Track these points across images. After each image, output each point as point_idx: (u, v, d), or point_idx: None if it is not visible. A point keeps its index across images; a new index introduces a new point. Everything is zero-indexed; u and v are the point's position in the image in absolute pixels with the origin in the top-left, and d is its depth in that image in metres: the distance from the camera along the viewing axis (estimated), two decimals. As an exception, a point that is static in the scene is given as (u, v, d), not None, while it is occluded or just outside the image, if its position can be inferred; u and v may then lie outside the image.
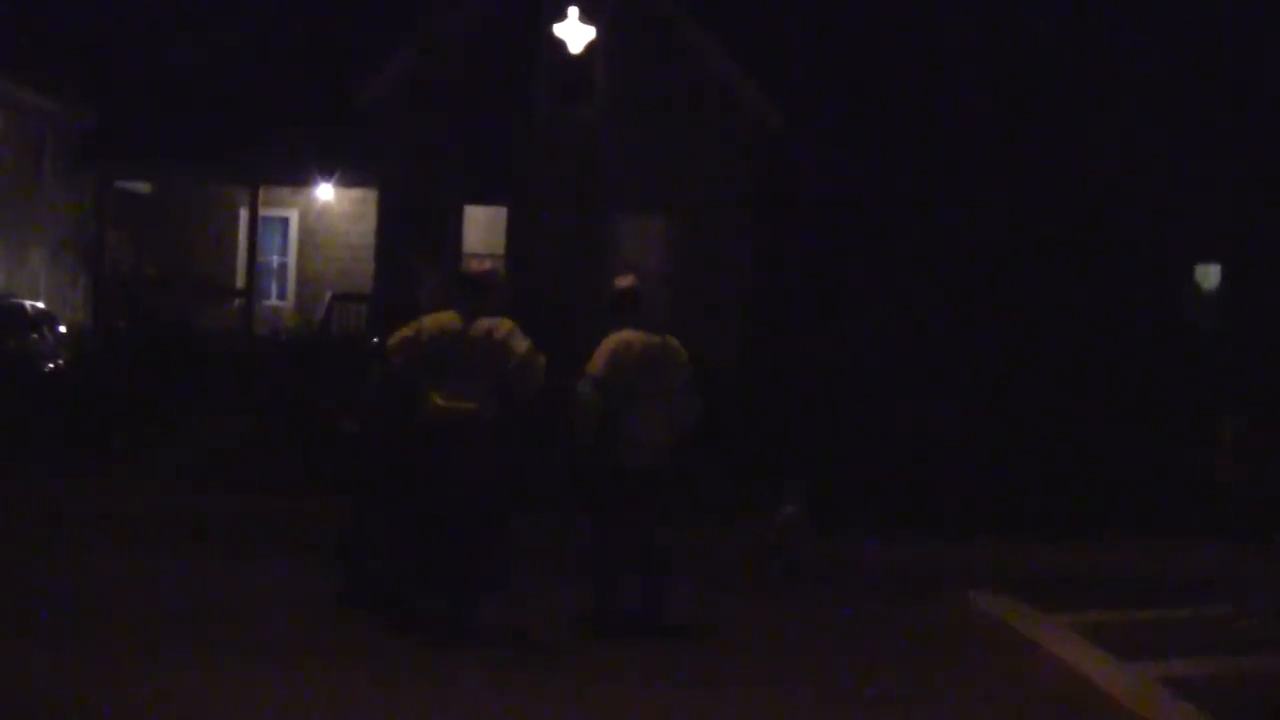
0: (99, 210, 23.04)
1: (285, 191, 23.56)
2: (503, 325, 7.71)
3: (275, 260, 24.21)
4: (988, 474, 14.28)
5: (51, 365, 19.78)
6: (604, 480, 7.82)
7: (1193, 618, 8.86)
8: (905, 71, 22.36)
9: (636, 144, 20.87)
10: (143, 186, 24.19)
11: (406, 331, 7.79)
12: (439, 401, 7.59)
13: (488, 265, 8.30)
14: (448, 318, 7.77)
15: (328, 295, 22.20)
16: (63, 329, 21.33)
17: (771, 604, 9.13)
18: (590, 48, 19.42)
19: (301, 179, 22.81)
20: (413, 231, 20.71)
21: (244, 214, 23.46)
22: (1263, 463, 14.39)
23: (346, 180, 22.75)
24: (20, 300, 21.25)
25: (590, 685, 6.78)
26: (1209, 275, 24.75)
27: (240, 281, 23.49)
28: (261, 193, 22.88)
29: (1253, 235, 22.17)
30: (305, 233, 24.04)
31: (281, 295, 24.36)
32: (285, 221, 24.17)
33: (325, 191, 23.21)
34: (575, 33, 18.80)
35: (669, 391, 7.87)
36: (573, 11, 18.78)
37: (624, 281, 8.20)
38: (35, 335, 20.38)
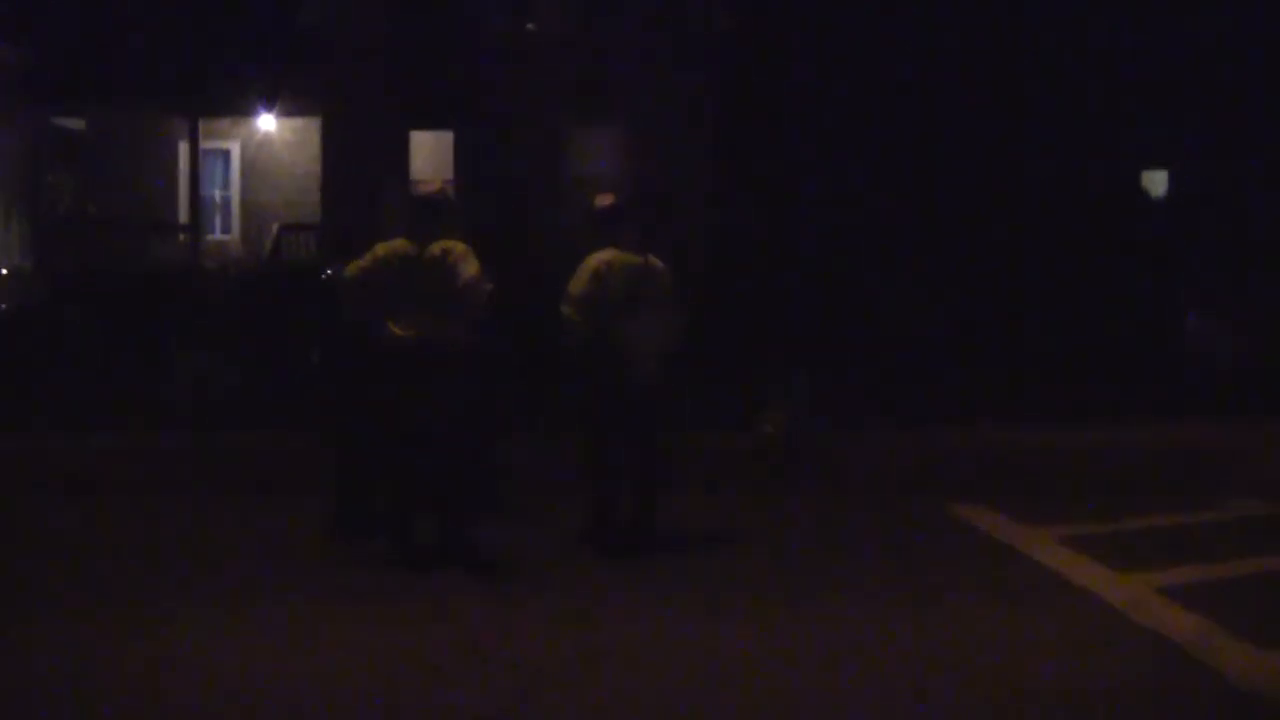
0: (35, 148, 22.41)
1: (226, 123, 23.06)
2: (456, 248, 7.58)
3: (218, 194, 23.72)
4: (966, 362, 14.35)
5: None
6: (594, 396, 7.82)
7: (1176, 525, 8.86)
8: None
9: (584, 53, 20.50)
10: (79, 124, 23.52)
11: (362, 261, 7.64)
12: (396, 330, 7.50)
13: (435, 187, 8.11)
14: (400, 244, 7.65)
15: (275, 227, 21.77)
16: (2, 270, 20.82)
17: (761, 510, 9.14)
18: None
19: (242, 110, 22.33)
20: (360, 160, 20.31)
21: (184, 147, 22.91)
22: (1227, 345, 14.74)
23: (288, 109, 22.30)
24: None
25: (590, 603, 6.74)
26: (1155, 181, 25.13)
27: (184, 216, 22.98)
28: (202, 125, 22.34)
29: (1194, 142, 22.52)
30: (248, 164, 23.56)
31: (226, 229, 23.92)
32: (227, 154, 23.67)
33: (267, 122, 22.73)
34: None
35: (653, 308, 7.82)
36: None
37: (604, 200, 8.11)
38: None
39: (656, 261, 7.98)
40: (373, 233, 8.20)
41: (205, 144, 22.68)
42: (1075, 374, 14.04)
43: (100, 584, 7.13)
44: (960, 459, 10.61)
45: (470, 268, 7.48)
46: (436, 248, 7.57)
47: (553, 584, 7.19)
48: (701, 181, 20.83)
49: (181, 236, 22.83)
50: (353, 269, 7.65)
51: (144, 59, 21.47)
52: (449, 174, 20.85)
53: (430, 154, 21.33)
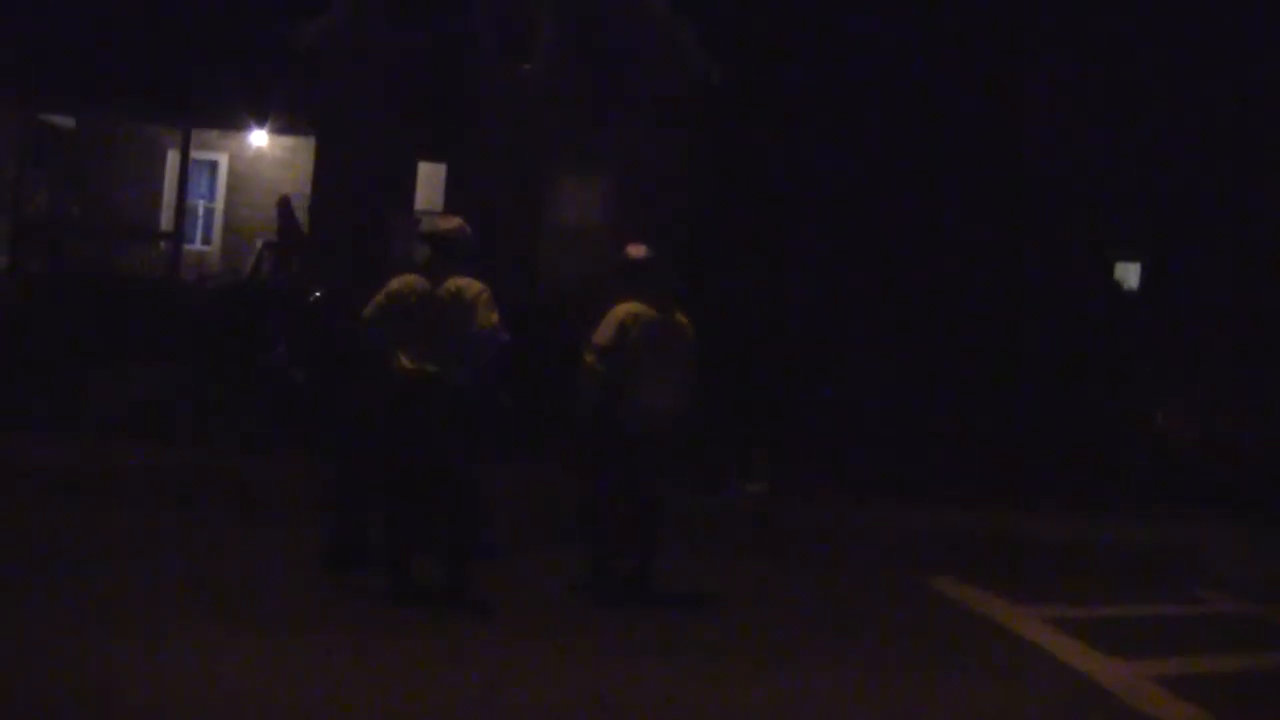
0: (20, 145, 22.25)
1: (214, 135, 22.94)
2: (471, 289, 7.56)
3: (202, 205, 23.60)
4: (938, 442, 14.43)
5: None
6: (606, 444, 7.80)
7: (1159, 615, 9.00)
8: (839, 35, 22.39)
9: (574, 99, 20.64)
10: (69, 122, 23.36)
11: (378, 298, 7.61)
12: (406, 364, 7.49)
13: (455, 223, 7.86)
14: (413, 279, 7.64)
15: (259, 243, 21.68)
16: (-20, 266, 20.62)
17: (748, 573, 9.23)
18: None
19: (234, 123, 22.24)
20: (354, 185, 20.35)
21: (171, 155, 22.80)
22: (1200, 441, 14.97)
23: (280, 127, 22.24)
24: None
25: (592, 652, 6.80)
26: (1129, 273, 25.56)
27: (166, 224, 22.85)
28: (192, 134, 22.24)
29: (1168, 235, 22.90)
30: (235, 177, 23.45)
31: (207, 241, 23.78)
32: (214, 165, 23.56)
33: (259, 137, 22.65)
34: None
35: (673, 365, 7.85)
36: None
37: (637, 252, 8.09)
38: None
39: (683, 319, 8.01)
40: (359, 258, 8.19)
41: (194, 153, 22.59)
42: (1047, 463, 14.17)
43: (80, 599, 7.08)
44: (938, 535, 10.77)
45: (489, 315, 7.45)
46: (453, 285, 7.55)
47: (557, 629, 7.23)
48: (679, 237, 21.00)
49: (162, 244, 22.69)
50: (369, 309, 7.61)
51: (140, 63, 21.38)
52: (439, 205, 20.90)
53: (425, 185, 21.39)
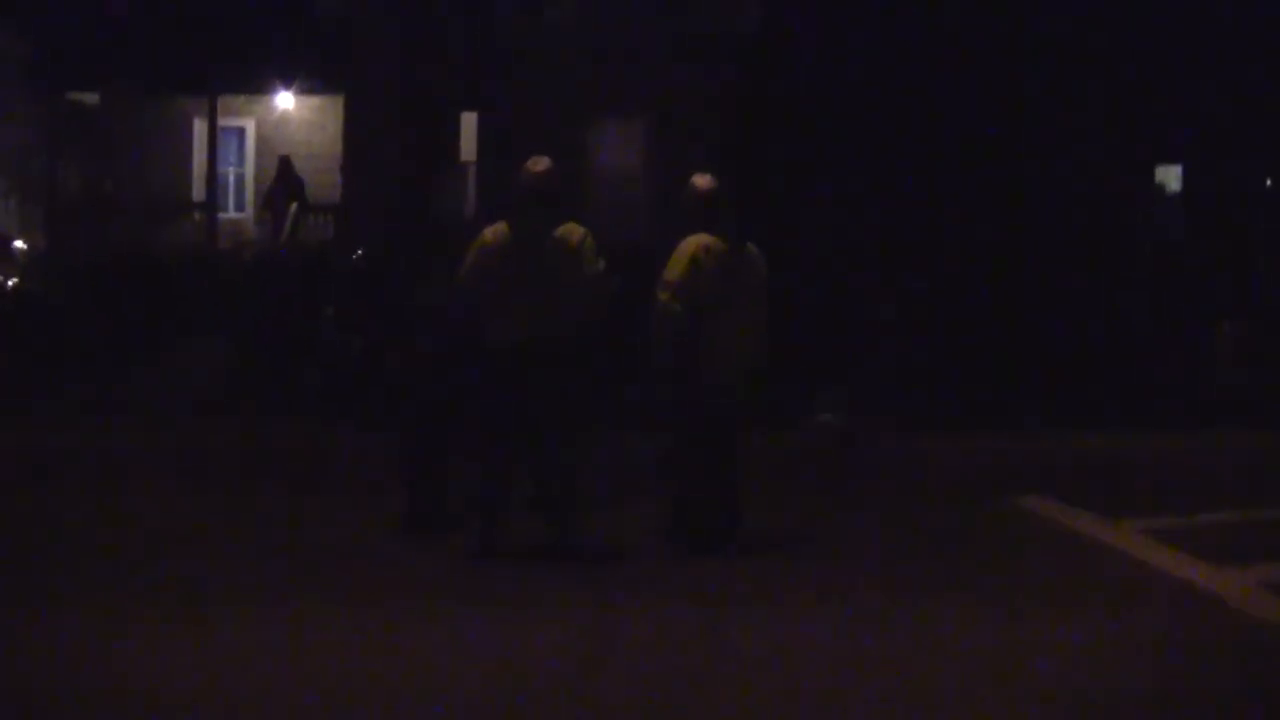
0: (50, 126, 22.15)
1: (240, 100, 22.78)
2: (574, 233, 7.20)
3: (232, 172, 23.48)
4: (995, 369, 14.24)
5: (13, 282, 19.07)
6: (686, 397, 7.40)
7: (1256, 521, 8.80)
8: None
9: (608, 46, 20.32)
10: (94, 98, 23.23)
11: (472, 256, 7.24)
12: (507, 329, 7.13)
13: (546, 164, 7.26)
14: (507, 230, 7.21)
15: (293, 207, 21.57)
16: (20, 244, 20.57)
17: (833, 508, 9.04)
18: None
19: (259, 87, 22.08)
20: (387, 140, 20.11)
21: (198, 124, 22.66)
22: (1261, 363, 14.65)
23: (306, 88, 22.07)
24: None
25: (699, 604, 6.62)
26: (1170, 176, 25.07)
27: (198, 194, 22.76)
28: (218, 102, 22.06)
29: (1209, 136, 22.40)
30: (262, 142, 23.34)
31: (240, 208, 23.69)
32: (241, 132, 23.44)
33: (285, 100, 22.50)
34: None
35: (748, 302, 7.42)
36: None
37: (704, 183, 7.52)
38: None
39: (754, 250, 7.57)
40: (394, 215, 7.87)
41: (220, 121, 22.42)
42: (1107, 381, 13.96)
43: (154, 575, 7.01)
44: (1014, 458, 10.62)
45: (596, 262, 7.10)
46: (554, 236, 7.15)
47: (654, 581, 7.04)
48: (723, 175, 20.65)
49: (196, 215, 22.60)
50: (464, 271, 7.22)
51: (160, 31, 21.18)
52: (472, 156, 20.70)
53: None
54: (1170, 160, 24.27)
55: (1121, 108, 21.72)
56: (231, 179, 23.46)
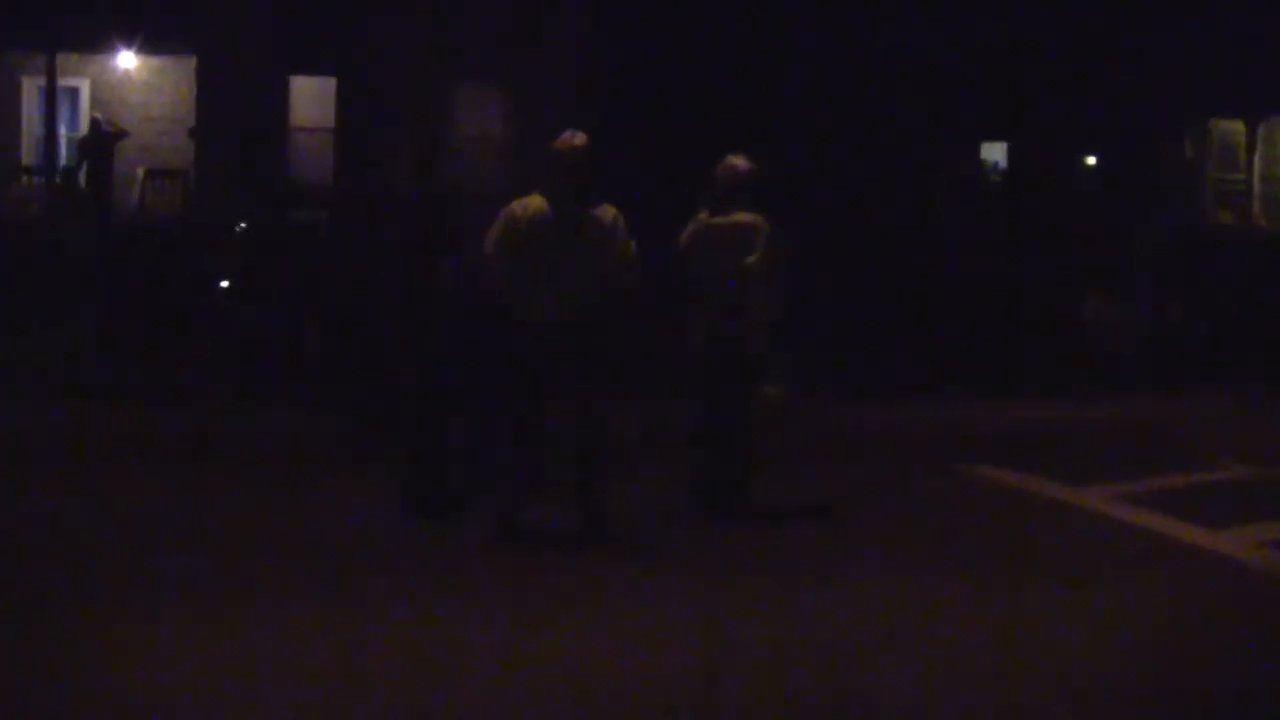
0: None
1: (74, 59, 21.45)
2: (606, 212, 7.04)
3: (64, 134, 22.14)
4: (880, 347, 14.36)
5: None
6: (718, 363, 7.56)
7: (1215, 483, 9.09)
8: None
9: (469, 8, 19.93)
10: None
11: (499, 229, 6.98)
12: (538, 310, 6.93)
13: (581, 141, 7.06)
14: (538, 201, 6.99)
15: (140, 172, 20.53)
16: None
17: (792, 479, 8.95)
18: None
19: (97, 45, 20.83)
20: (238, 103, 19.34)
21: (28, 82, 21.34)
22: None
23: (149, 48, 20.93)
24: None
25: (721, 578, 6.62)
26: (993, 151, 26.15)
27: (26, 157, 21.45)
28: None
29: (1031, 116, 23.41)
30: (99, 104, 22.05)
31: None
32: (75, 92, 22.11)
33: (126, 59, 21.31)
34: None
35: (767, 271, 7.53)
36: None
37: (741, 163, 7.64)
38: None
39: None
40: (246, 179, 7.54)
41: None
42: (990, 358, 14.24)
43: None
44: (954, 429, 10.78)
45: (628, 245, 6.98)
46: (588, 213, 6.96)
47: (680, 556, 7.00)
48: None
49: (25, 179, 21.31)
50: (490, 245, 6.95)
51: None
52: (330, 123, 20.07)
53: (311, 100, 20.45)
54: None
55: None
56: (64, 143, 22.09)
